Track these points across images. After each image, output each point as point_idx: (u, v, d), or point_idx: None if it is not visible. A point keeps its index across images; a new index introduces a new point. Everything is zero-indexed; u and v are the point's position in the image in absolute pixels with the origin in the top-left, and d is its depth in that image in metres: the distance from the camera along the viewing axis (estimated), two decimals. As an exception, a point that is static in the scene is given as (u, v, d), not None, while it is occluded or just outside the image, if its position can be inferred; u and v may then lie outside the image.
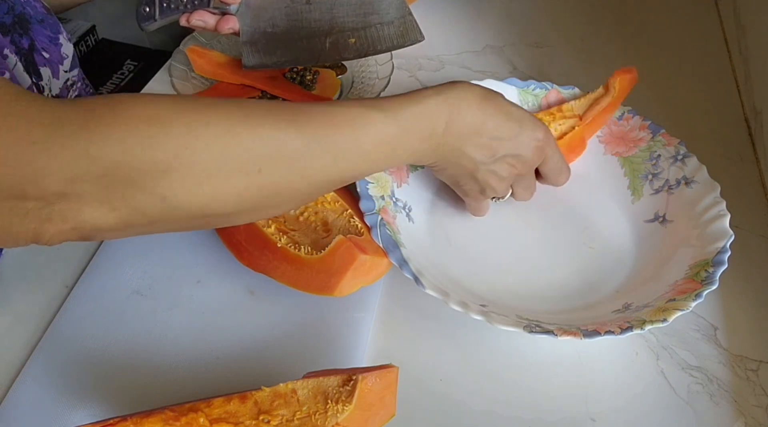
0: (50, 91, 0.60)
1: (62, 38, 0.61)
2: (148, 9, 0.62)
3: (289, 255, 0.50)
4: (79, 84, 0.66)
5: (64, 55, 0.61)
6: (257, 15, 0.62)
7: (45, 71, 0.58)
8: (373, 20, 0.62)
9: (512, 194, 0.57)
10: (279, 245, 0.50)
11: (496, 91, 0.52)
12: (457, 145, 0.49)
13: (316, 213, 0.55)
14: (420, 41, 0.64)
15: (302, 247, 0.51)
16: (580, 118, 0.61)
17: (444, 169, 0.52)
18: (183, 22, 0.62)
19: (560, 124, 0.62)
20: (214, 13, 0.62)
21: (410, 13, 0.64)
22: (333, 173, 0.44)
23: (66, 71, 0.62)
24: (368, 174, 0.48)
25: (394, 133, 0.45)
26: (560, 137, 0.61)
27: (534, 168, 0.55)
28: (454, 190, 0.56)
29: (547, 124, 0.56)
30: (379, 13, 0.62)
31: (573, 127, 0.61)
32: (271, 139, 0.41)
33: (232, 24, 0.62)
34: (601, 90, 0.62)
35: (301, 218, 0.55)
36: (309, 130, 0.42)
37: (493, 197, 0.56)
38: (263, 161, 0.40)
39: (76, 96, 0.66)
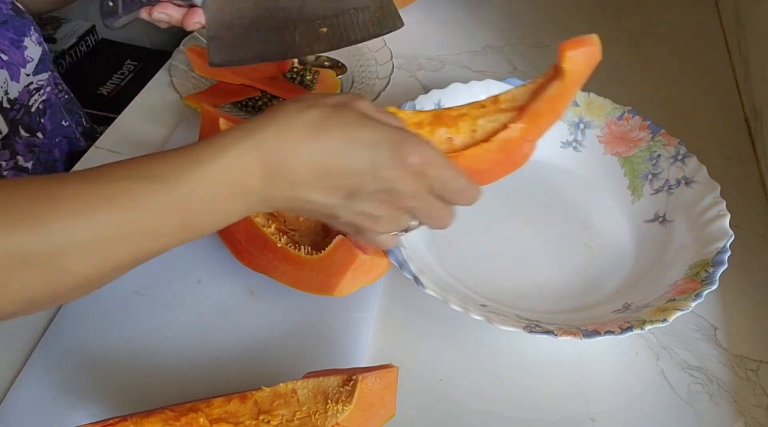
0: (6, 94, 0.58)
1: (29, 41, 0.59)
2: (111, 3, 0.57)
3: (289, 255, 0.50)
4: (48, 89, 0.65)
5: (28, 58, 0.59)
6: (223, 6, 0.58)
7: (1, 73, 0.56)
8: (346, 5, 0.57)
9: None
10: (279, 245, 0.50)
11: (344, 106, 0.40)
12: (291, 194, 0.39)
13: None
14: (399, 28, 0.57)
15: (302, 247, 0.51)
16: (521, 111, 0.46)
17: (294, 213, 0.44)
18: (144, 15, 0.58)
19: (490, 121, 0.47)
20: (179, 6, 0.58)
21: None
22: (109, 263, 0.37)
23: (29, 75, 0.60)
24: (175, 246, 0.39)
25: (182, 205, 0.37)
26: (487, 139, 0.47)
27: (425, 196, 0.42)
28: None
29: (474, 120, 0.45)
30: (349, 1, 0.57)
31: (509, 125, 0.47)
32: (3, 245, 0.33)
33: (198, 18, 0.58)
34: (552, 72, 0.47)
35: (301, 218, 0.55)
36: (56, 223, 0.34)
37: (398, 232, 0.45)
38: (3, 273, 0.33)
39: (43, 101, 0.65)
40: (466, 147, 0.45)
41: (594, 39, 0.45)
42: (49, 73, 0.64)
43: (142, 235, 0.37)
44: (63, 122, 0.70)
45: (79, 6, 1.39)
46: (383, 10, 0.57)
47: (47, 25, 1.36)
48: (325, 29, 0.57)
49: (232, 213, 0.39)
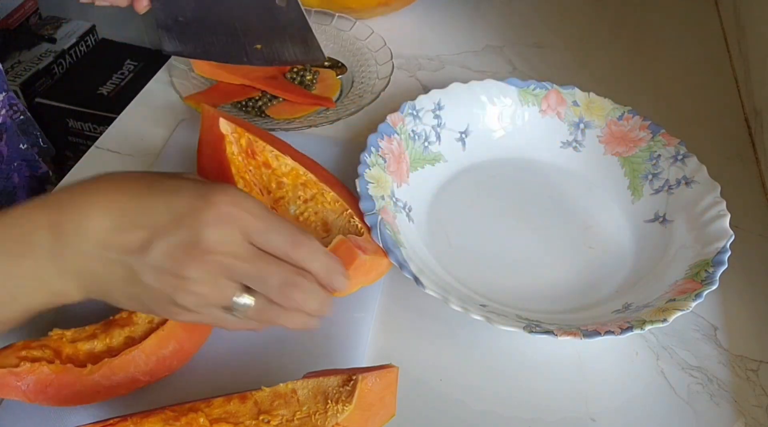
0: None
1: None
2: None
3: None
4: (3, 111, 0.62)
5: None
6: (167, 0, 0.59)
7: None
8: (276, 32, 0.60)
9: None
10: None
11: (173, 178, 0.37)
12: (83, 248, 0.35)
13: (316, 213, 0.54)
14: (321, 61, 0.62)
15: None
16: None
17: (97, 288, 0.37)
18: None
19: None
20: None
21: (311, 31, 0.60)
22: None
23: None
24: None
25: None
26: (163, 322, 0.45)
27: (244, 246, 0.36)
28: None
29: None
30: (281, 26, 0.60)
31: None
32: None
33: (146, 2, 0.57)
34: None
35: (300, 218, 0.55)
36: None
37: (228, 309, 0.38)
38: None
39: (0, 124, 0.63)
40: (146, 337, 0.44)
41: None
42: (4, 93, 0.62)
43: None
44: (20, 145, 0.67)
45: (79, 6, 1.39)
46: (308, 43, 0.61)
47: (47, 25, 1.36)
48: (259, 46, 0.60)
49: (23, 279, 0.35)
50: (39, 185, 0.71)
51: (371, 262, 0.49)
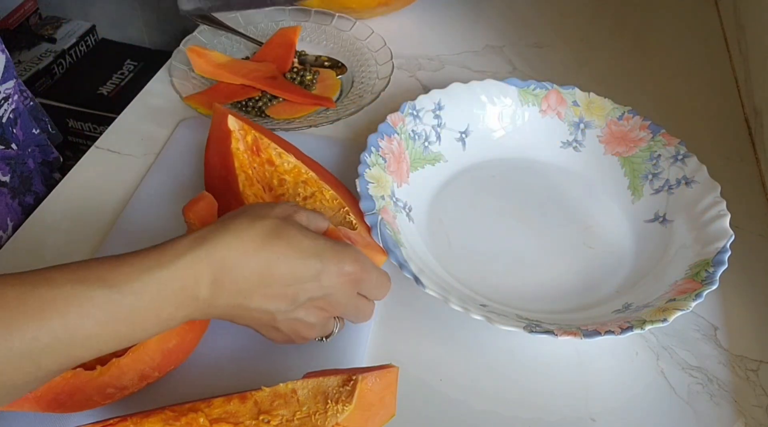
0: None
1: None
2: None
3: None
4: (16, 97, 0.64)
5: None
6: None
7: None
8: None
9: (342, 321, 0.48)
10: None
11: (289, 218, 0.42)
12: (237, 302, 0.40)
13: (313, 210, 0.55)
14: None
15: None
16: None
17: (233, 320, 0.43)
18: None
19: None
20: None
21: None
22: (37, 372, 0.35)
23: None
24: (101, 355, 0.37)
25: (127, 311, 0.36)
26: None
27: (353, 300, 0.45)
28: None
29: None
30: None
31: None
32: None
33: None
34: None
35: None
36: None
37: (319, 338, 0.47)
38: None
39: (13, 110, 0.64)
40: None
41: (205, 194, 0.50)
42: (14, 80, 0.63)
43: (77, 341, 0.35)
44: (33, 130, 0.69)
45: (79, 6, 1.39)
46: None
47: (47, 25, 1.36)
48: None
49: (172, 321, 0.38)
50: (50, 171, 0.72)
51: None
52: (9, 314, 0.33)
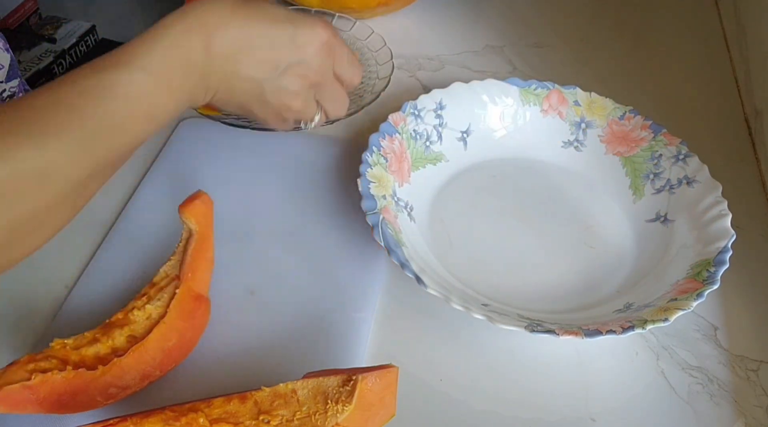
0: None
1: None
2: None
3: None
4: (20, 95, 0.64)
5: None
6: None
7: None
8: None
9: (323, 112, 0.52)
10: None
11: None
12: (228, 68, 0.44)
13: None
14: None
15: None
16: (178, 278, 0.48)
17: (228, 99, 0.46)
18: None
19: (159, 300, 0.48)
20: None
21: None
22: (93, 163, 0.38)
23: (2, 82, 0.59)
24: (143, 140, 0.41)
25: (144, 88, 0.39)
26: (162, 315, 0.46)
27: (330, 73, 0.49)
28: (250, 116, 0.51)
29: (142, 307, 0.47)
30: None
31: (175, 292, 0.47)
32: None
33: None
34: (185, 234, 0.50)
35: None
36: (47, 128, 0.35)
37: (303, 123, 0.51)
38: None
39: None
40: (147, 333, 0.45)
41: (201, 192, 0.50)
42: (19, 79, 0.63)
43: (117, 127, 0.38)
44: None
45: (79, 6, 1.39)
46: None
47: (47, 25, 1.36)
48: None
49: (182, 94, 0.42)
50: None
51: None
52: (54, 112, 0.36)
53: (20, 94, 0.63)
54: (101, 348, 0.45)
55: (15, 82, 0.62)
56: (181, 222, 0.48)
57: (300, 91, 0.47)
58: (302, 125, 0.53)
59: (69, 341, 0.45)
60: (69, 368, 0.42)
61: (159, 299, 0.47)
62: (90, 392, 0.42)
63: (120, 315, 0.47)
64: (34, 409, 0.41)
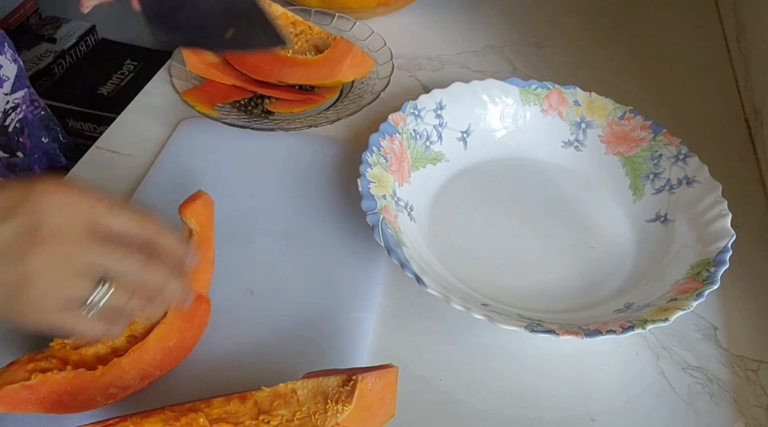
0: None
1: (3, 59, 0.57)
2: None
3: (297, 60, 0.67)
4: (24, 106, 0.64)
5: (3, 77, 0.58)
6: None
7: None
8: (243, 19, 0.59)
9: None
10: (288, 55, 0.67)
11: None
12: None
13: (307, 41, 0.72)
14: (287, 47, 0.61)
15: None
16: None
17: None
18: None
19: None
20: None
21: (269, 18, 0.59)
22: None
23: (6, 94, 0.59)
24: None
25: None
26: (146, 335, 0.45)
27: (85, 235, 0.33)
28: None
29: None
30: (244, 14, 0.59)
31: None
32: None
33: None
34: (185, 235, 0.48)
35: (295, 46, 0.71)
36: None
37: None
38: None
39: (20, 119, 0.63)
40: (148, 333, 0.45)
41: (201, 192, 0.49)
42: (26, 90, 0.63)
43: None
44: (42, 139, 0.69)
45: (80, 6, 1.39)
46: (271, 29, 0.59)
47: (47, 25, 1.36)
48: (230, 34, 0.59)
49: None
50: (60, 176, 0.72)
51: (362, 55, 0.68)
52: None
53: (24, 106, 0.63)
54: (101, 348, 0.45)
55: (21, 94, 0.61)
56: (182, 222, 0.48)
57: (36, 267, 0.32)
58: (87, 308, 0.35)
59: (69, 341, 0.45)
60: (69, 368, 0.42)
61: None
62: (90, 392, 0.42)
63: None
64: (34, 409, 0.41)
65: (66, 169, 0.72)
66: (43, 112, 0.71)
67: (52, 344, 0.44)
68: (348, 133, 0.68)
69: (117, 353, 0.44)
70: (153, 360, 0.44)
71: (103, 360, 0.44)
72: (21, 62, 0.62)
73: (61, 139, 0.75)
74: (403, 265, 0.49)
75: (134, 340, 0.45)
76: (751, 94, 0.73)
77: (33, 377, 0.41)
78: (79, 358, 0.44)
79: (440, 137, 0.63)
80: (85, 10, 0.58)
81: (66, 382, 0.42)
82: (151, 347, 0.44)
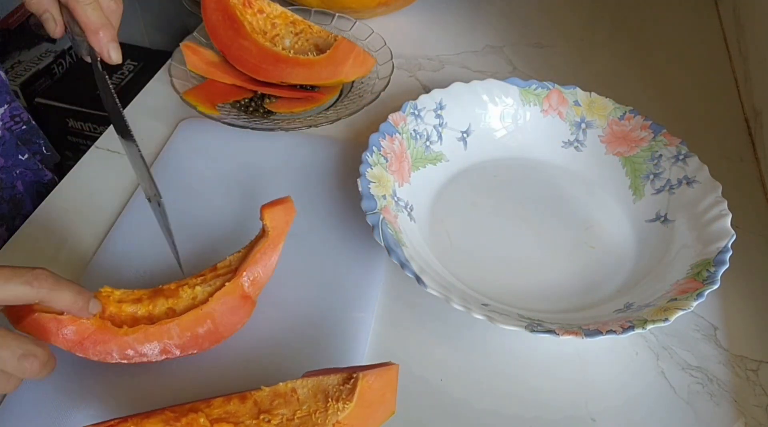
0: None
1: None
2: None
3: (300, 60, 0.67)
4: (0, 124, 0.62)
5: None
6: None
7: None
8: None
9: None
10: (290, 55, 0.67)
11: None
12: None
13: (307, 40, 0.72)
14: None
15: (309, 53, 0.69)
16: (235, 271, 0.48)
17: None
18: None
19: (210, 286, 0.48)
20: None
21: None
22: None
23: None
24: None
25: None
26: (206, 300, 0.47)
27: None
28: None
29: (193, 288, 0.47)
30: None
31: (225, 284, 0.48)
32: None
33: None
34: (259, 233, 0.50)
35: (296, 46, 0.72)
36: None
37: None
38: None
39: None
40: (185, 311, 0.46)
41: (288, 199, 0.50)
42: (6, 105, 0.62)
43: None
44: (20, 156, 0.68)
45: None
46: None
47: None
48: None
49: None
50: (46, 191, 0.71)
51: (364, 55, 0.68)
52: None
53: (1, 123, 0.62)
54: (140, 309, 0.46)
55: (1, 110, 0.60)
56: (260, 220, 0.49)
57: None
58: None
59: (116, 293, 0.46)
60: (98, 316, 0.44)
61: (210, 285, 0.48)
62: (109, 346, 0.44)
63: (172, 286, 0.48)
64: (57, 342, 0.43)
65: (52, 181, 0.71)
66: (24, 127, 0.70)
67: (101, 289, 0.46)
68: (348, 133, 0.68)
69: (151, 319, 0.46)
70: (178, 339, 0.45)
71: (135, 321, 0.45)
72: (4, 76, 0.61)
73: (44, 151, 0.74)
74: (403, 265, 0.49)
75: (172, 313, 0.46)
76: (750, 94, 0.73)
77: (65, 313, 0.43)
78: (116, 311, 0.46)
79: (440, 137, 0.64)
80: None
81: (91, 328, 0.43)
82: (180, 327, 0.45)
